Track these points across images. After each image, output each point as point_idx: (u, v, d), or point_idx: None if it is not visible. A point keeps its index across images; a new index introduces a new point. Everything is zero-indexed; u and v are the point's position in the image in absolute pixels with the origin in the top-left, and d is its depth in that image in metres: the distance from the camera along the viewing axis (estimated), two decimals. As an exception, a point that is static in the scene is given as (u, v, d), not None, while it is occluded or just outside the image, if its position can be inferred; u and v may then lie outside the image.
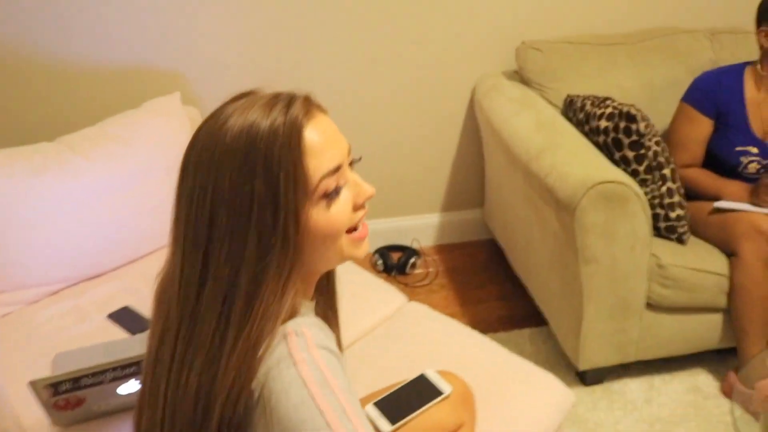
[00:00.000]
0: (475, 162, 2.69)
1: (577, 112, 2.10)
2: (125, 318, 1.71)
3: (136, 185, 1.92)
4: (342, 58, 2.40)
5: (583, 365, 2.00)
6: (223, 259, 0.75)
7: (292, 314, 0.79)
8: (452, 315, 2.38)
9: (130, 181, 1.91)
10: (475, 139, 2.64)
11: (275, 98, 0.78)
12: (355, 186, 0.83)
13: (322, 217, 0.79)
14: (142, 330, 1.66)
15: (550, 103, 2.24)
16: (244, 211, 0.74)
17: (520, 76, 2.38)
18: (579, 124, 2.08)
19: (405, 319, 1.74)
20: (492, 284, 2.60)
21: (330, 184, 0.78)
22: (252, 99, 0.79)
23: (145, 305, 1.74)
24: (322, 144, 0.78)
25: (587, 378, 2.07)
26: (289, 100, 0.78)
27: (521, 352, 2.17)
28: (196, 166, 0.76)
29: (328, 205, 0.79)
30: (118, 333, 1.65)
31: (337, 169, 0.79)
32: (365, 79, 2.45)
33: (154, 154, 1.97)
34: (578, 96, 2.15)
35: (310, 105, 0.80)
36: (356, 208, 0.83)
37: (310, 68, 2.40)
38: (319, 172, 0.77)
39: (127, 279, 1.87)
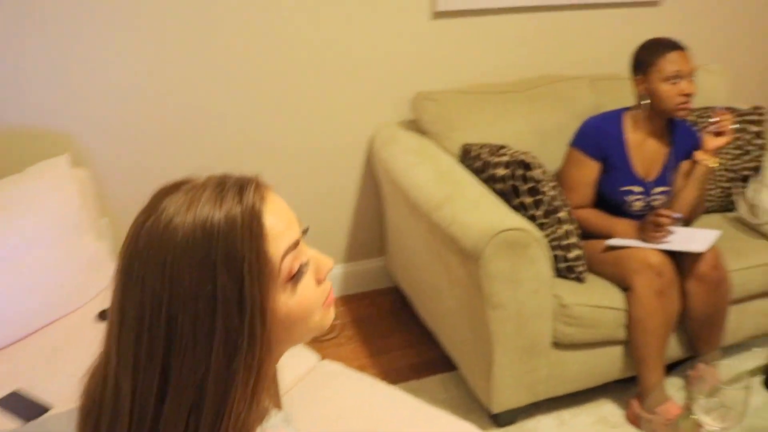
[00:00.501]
0: (374, 211, 2.71)
1: (475, 161, 2.16)
2: (16, 404, 1.58)
3: (22, 257, 1.79)
4: (238, 113, 2.37)
5: (496, 408, 2.03)
6: (186, 369, 0.68)
7: (261, 413, 0.74)
8: (362, 367, 2.38)
9: (14, 253, 1.78)
10: (373, 189, 2.67)
11: (222, 186, 0.73)
12: (315, 261, 0.80)
13: (292, 301, 0.75)
14: (36, 416, 1.54)
15: (448, 152, 2.29)
16: (207, 314, 0.68)
17: (416, 126, 2.42)
18: (477, 172, 2.14)
19: (319, 380, 1.71)
20: (400, 332, 2.60)
21: (293, 264, 0.74)
22: (193, 190, 0.73)
23: (38, 387, 1.62)
24: (281, 226, 0.74)
25: (501, 420, 2.10)
26: (240, 186, 0.73)
27: (434, 400, 2.17)
28: (144, 273, 0.69)
29: (294, 287, 0.75)
30: (7, 423, 1.52)
31: (295, 246, 0.76)
32: (263, 132, 2.43)
33: (41, 222, 1.85)
34: (474, 144, 2.21)
35: (262, 188, 0.76)
36: (319, 282, 0.80)
37: (205, 124, 2.35)
38: (280, 254, 0.73)
39: (15, 360, 1.73)
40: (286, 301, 0.74)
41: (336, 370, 1.75)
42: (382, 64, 2.48)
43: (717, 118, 2.14)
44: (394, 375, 2.35)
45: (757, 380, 1.72)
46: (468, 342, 2.08)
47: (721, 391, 1.43)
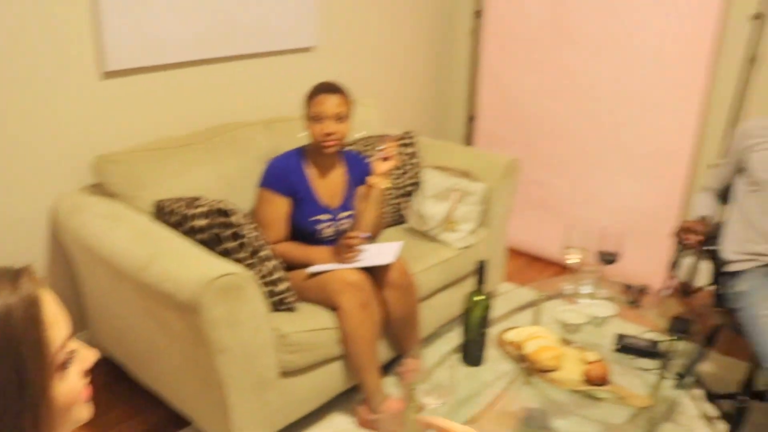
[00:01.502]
0: (67, 285, 2.55)
1: (171, 216, 2.18)
2: None
3: None
4: None
5: (239, 449, 2.07)
6: None
7: None
8: (94, 450, 2.24)
9: None
10: (62, 262, 2.52)
11: None
12: (80, 352, 0.80)
13: (64, 388, 0.75)
14: None
15: (141, 211, 2.28)
16: None
17: (102, 190, 2.36)
18: (176, 226, 2.17)
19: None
20: (121, 403, 2.48)
21: (66, 354, 0.75)
22: None
23: None
24: (55, 314, 0.75)
25: (245, 459, 2.15)
26: (14, 275, 0.73)
27: (175, 460, 2.14)
28: None
29: (65, 375, 0.75)
30: None
31: (68, 335, 0.76)
32: None
33: None
34: (167, 200, 2.24)
35: (35, 277, 0.75)
36: (83, 374, 0.80)
37: None
38: (57, 343, 0.73)
39: None
40: (61, 389, 0.75)
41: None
42: (54, 130, 2.36)
43: (383, 146, 2.46)
44: (127, 449, 2.25)
45: (456, 358, 2.04)
46: (198, 393, 2.09)
47: (433, 374, 1.68)
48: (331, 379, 2.29)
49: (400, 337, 2.46)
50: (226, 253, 2.09)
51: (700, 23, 3.01)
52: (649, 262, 3.38)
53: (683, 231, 2.41)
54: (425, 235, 2.81)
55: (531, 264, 3.71)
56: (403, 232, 2.88)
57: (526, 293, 2.56)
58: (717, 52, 3.09)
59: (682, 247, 2.44)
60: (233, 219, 2.06)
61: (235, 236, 2.07)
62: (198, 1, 2.59)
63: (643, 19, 3.16)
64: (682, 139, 3.19)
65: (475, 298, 1.91)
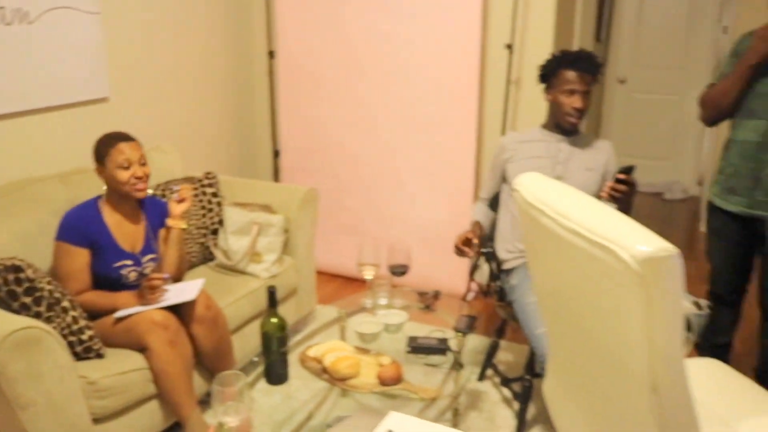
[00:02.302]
0: None
1: (-39, 279, 2.16)
2: None
3: None
4: None
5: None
6: None
7: None
8: None
9: None
10: None
11: None
12: None
13: None
14: None
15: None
16: None
17: None
18: (-33, 289, 2.15)
19: None
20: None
21: None
22: None
23: None
24: None
25: None
26: None
27: None
28: None
29: None
30: None
31: None
32: None
33: None
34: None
35: None
36: None
37: None
38: None
39: None
40: None
41: None
42: None
43: (178, 188, 2.57)
44: None
45: (263, 381, 2.19)
46: (7, 455, 2.07)
47: (235, 396, 1.81)
48: (149, 419, 2.34)
49: (214, 369, 2.55)
50: (23, 309, 2.10)
51: (466, 51, 3.41)
52: (453, 268, 3.72)
53: (459, 247, 2.65)
54: (233, 269, 2.94)
55: (346, 285, 3.93)
56: (211, 269, 2.99)
57: (335, 312, 2.74)
58: (482, 76, 3.50)
59: (467, 258, 2.69)
60: (26, 274, 2.08)
61: (30, 291, 2.09)
62: (-26, 61, 2.58)
63: (419, 47, 3.51)
64: (466, 154, 3.57)
65: (271, 320, 2.07)
